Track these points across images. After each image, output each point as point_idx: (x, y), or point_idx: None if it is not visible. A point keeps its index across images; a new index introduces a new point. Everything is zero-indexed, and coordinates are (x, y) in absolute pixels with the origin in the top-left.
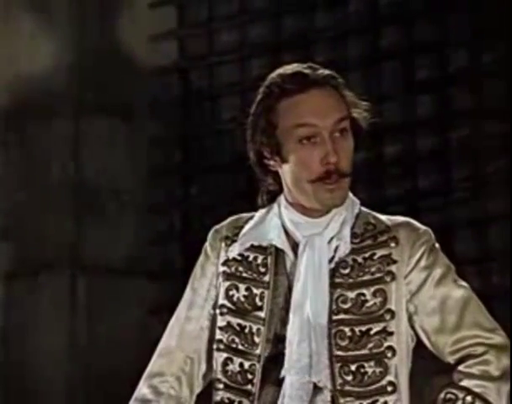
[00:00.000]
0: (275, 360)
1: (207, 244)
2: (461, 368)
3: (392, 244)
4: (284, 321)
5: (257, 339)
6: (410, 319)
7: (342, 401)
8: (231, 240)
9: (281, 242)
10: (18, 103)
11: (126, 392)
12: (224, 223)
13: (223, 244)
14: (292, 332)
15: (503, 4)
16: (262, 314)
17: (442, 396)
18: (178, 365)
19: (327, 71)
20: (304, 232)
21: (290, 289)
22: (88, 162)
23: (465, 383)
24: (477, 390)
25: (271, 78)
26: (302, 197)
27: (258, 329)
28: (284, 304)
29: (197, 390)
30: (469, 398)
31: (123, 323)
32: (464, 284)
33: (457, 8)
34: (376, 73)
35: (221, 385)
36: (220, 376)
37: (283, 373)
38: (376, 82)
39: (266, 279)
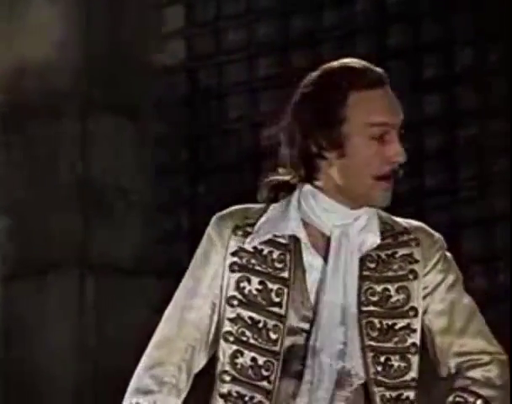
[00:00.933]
0: (290, 352)
1: (212, 231)
2: (466, 373)
3: (413, 244)
4: (301, 315)
5: (273, 335)
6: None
7: (375, 390)
8: (242, 230)
9: (303, 235)
10: (26, 102)
11: None
12: (229, 211)
13: (232, 233)
14: (325, 319)
15: (507, 4)
16: (281, 311)
17: (451, 399)
18: (179, 354)
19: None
20: (336, 221)
21: (305, 283)
22: (95, 161)
23: (473, 388)
24: (484, 394)
25: (335, 71)
26: (351, 192)
27: (276, 325)
28: (302, 298)
29: (193, 374)
30: (479, 402)
31: (130, 322)
32: (467, 294)
33: (463, 8)
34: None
35: (228, 378)
36: (228, 368)
37: (310, 362)
38: None
39: (284, 275)
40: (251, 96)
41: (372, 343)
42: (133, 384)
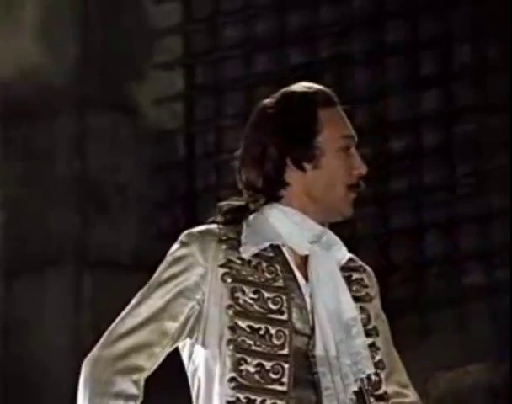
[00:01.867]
0: (295, 358)
1: (193, 245)
2: None
3: (361, 270)
4: (304, 318)
5: (277, 341)
6: None
7: (372, 400)
8: (226, 243)
9: (285, 250)
10: (22, 100)
11: None
12: (204, 229)
13: (218, 246)
14: (331, 326)
15: (506, 0)
16: (283, 317)
17: None
18: (156, 361)
19: None
20: (309, 237)
21: (301, 293)
22: (92, 158)
23: None
24: None
25: (298, 92)
26: (326, 203)
27: (280, 330)
28: (302, 305)
29: None
30: None
31: None
32: None
33: (461, 4)
34: (381, 68)
35: (233, 384)
36: (234, 375)
37: (319, 365)
38: (381, 78)
39: (279, 284)
40: (248, 92)
41: None
42: (107, 387)
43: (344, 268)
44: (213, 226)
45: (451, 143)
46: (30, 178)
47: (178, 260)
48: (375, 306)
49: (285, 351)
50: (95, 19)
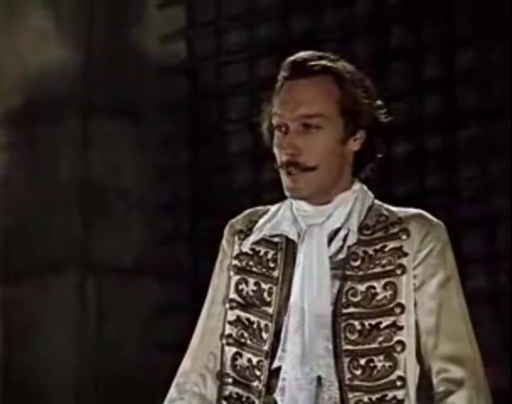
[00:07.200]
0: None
1: (223, 240)
2: (446, 400)
3: (404, 236)
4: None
5: (265, 335)
6: None
7: (350, 395)
8: (244, 234)
9: (293, 233)
10: (27, 104)
11: (135, 393)
12: (239, 217)
13: (236, 238)
14: (291, 321)
15: (508, 3)
16: (270, 310)
17: None
18: (201, 362)
19: (326, 63)
20: (307, 221)
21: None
22: (96, 162)
23: None
24: None
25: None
26: None
27: (266, 325)
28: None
29: None
30: None
31: (132, 323)
32: (462, 295)
33: (464, 8)
34: (384, 73)
35: (229, 380)
36: (229, 371)
37: (276, 363)
38: (384, 82)
39: (275, 274)
40: (252, 97)
41: (350, 347)
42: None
43: (378, 239)
44: (249, 212)
45: (455, 147)
46: (35, 182)
47: (218, 258)
48: (416, 275)
49: (266, 347)
50: (99, 24)
